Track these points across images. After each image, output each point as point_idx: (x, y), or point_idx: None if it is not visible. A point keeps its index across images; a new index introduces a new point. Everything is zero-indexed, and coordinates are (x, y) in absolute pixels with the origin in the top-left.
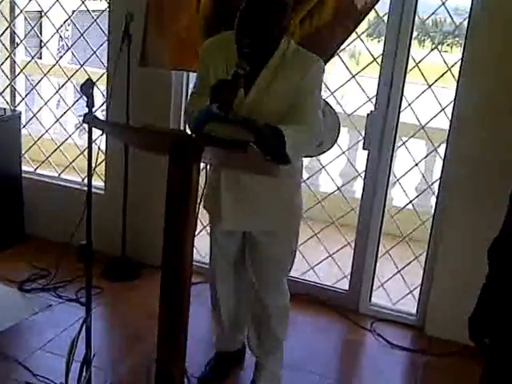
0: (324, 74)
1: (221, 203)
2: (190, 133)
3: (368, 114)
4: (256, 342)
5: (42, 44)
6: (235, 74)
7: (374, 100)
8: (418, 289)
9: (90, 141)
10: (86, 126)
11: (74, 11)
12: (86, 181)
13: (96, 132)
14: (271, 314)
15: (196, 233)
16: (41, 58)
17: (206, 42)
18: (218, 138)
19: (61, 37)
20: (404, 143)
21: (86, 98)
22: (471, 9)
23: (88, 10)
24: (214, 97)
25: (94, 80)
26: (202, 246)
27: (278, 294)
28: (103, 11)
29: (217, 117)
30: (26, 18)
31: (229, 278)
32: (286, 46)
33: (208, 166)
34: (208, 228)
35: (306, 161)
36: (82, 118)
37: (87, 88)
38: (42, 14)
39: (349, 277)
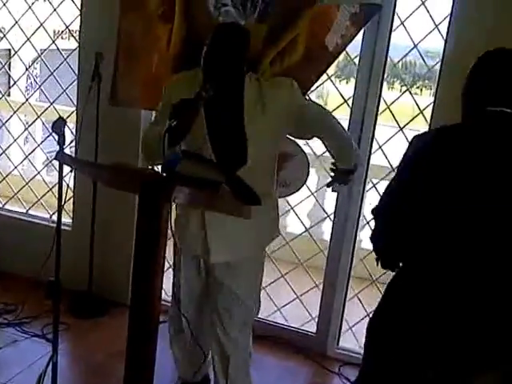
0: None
1: (207, 237)
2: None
3: None
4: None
5: (12, 82)
6: (198, 94)
7: None
8: None
9: (61, 178)
10: (55, 162)
11: (43, 50)
12: (54, 217)
13: (65, 169)
14: (232, 354)
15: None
16: (9, 95)
17: (173, 78)
18: (189, 177)
19: (29, 75)
20: (374, 185)
21: (57, 136)
22: (444, 51)
23: (58, 49)
24: (174, 114)
25: (64, 118)
26: (168, 285)
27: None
28: (73, 50)
29: (188, 155)
30: None
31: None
32: (254, 84)
33: None
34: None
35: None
36: (54, 155)
37: (59, 126)
38: (12, 52)
39: (316, 319)
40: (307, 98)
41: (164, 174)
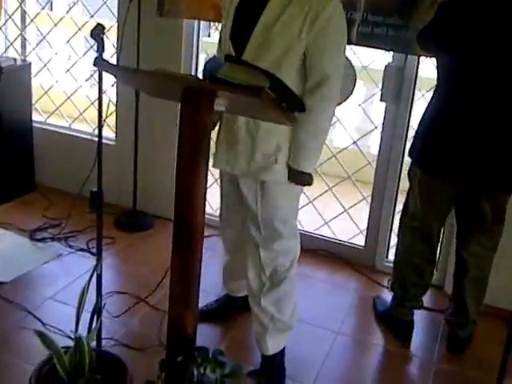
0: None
1: (218, 143)
2: (202, 77)
3: (386, 66)
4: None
5: None
6: None
7: (391, 52)
8: (439, 246)
9: (101, 86)
10: (96, 75)
11: None
12: (96, 132)
13: (106, 83)
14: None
15: (208, 185)
16: (51, 9)
17: None
18: (231, 83)
19: None
20: (423, 95)
21: (96, 43)
22: None
23: None
24: None
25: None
26: (213, 199)
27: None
28: None
29: (230, 59)
30: None
31: (229, 214)
32: None
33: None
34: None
35: None
36: (93, 61)
37: (98, 33)
38: None
39: (365, 232)
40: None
41: (206, 80)
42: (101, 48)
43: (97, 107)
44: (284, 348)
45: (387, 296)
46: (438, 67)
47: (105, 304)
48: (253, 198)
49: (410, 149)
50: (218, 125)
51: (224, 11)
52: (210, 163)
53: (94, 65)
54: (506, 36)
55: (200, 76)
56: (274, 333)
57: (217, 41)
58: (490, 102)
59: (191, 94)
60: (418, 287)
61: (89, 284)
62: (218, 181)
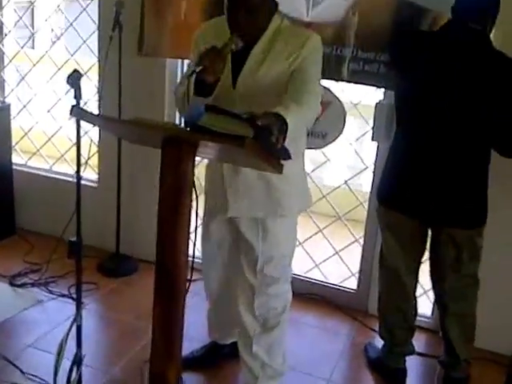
0: (322, 50)
1: (226, 191)
2: (183, 125)
3: (376, 104)
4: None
5: (33, 34)
6: (225, 44)
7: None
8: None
9: (79, 135)
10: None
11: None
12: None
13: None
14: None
15: (195, 228)
16: (33, 47)
17: (200, 28)
18: (213, 132)
19: (52, 28)
20: None
21: (73, 90)
22: None
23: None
24: (200, 60)
25: (86, 70)
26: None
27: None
28: (91, 0)
29: (212, 109)
30: (14, 9)
31: (217, 262)
32: (278, 23)
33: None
34: None
35: (309, 153)
36: (69, 110)
37: (74, 79)
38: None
39: (357, 275)
40: (330, 90)
41: (187, 129)
42: (78, 95)
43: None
44: None
45: (379, 342)
46: (396, 107)
47: (85, 355)
48: (254, 236)
49: (378, 193)
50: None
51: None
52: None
53: (71, 114)
54: (457, 77)
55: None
56: (265, 381)
57: None
58: (444, 139)
59: (172, 144)
60: (404, 330)
61: (68, 334)
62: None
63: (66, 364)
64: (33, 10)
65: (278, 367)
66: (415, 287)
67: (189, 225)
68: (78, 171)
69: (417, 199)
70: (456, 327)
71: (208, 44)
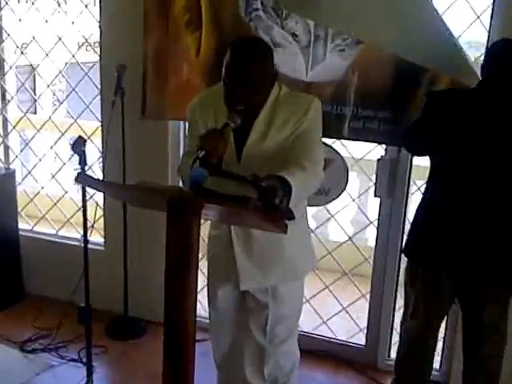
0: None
1: (236, 263)
2: (187, 187)
3: (378, 160)
4: None
5: (35, 99)
6: (225, 124)
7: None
8: (441, 343)
9: (84, 201)
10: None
11: (65, 64)
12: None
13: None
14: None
15: (199, 288)
16: (35, 112)
17: (193, 101)
18: (217, 195)
19: (53, 92)
20: (419, 188)
21: (77, 156)
22: (487, 42)
23: (78, 63)
24: (201, 145)
25: (90, 133)
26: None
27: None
28: (94, 64)
29: (215, 171)
30: (15, 74)
31: (224, 327)
32: (277, 93)
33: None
34: None
35: (313, 210)
36: (75, 177)
37: (78, 146)
38: (35, 67)
39: (365, 331)
40: (331, 147)
41: (191, 191)
42: (83, 162)
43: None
44: None
45: None
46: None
47: None
48: (264, 297)
49: (405, 247)
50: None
51: (194, 127)
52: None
53: (76, 181)
54: (494, 132)
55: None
56: None
57: None
58: (481, 194)
59: (177, 207)
60: None
61: None
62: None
63: None
64: (34, 74)
65: None
66: (436, 346)
67: (196, 285)
68: (85, 236)
69: (457, 257)
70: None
71: (205, 115)
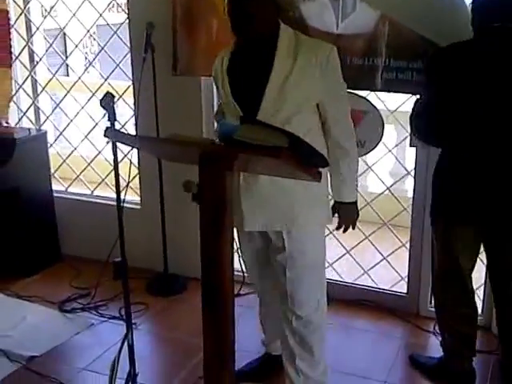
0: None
1: (241, 205)
2: (218, 140)
3: None
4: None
5: (65, 61)
6: None
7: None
8: (483, 287)
9: (116, 156)
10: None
11: (93, 24)
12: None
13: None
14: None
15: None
16: (67, 75)
17: (216, 59)
18: (249, 145)
19: (86, 53)
20: None
21: (106, 112)
22: None
23: (108, 24)
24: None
25: (121, 93)
26: None
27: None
28: (122, 23)
29: (245, 120)
30: (44, 36)
31: (258, 275)
32: (290, 32)
33: None
34: None
35: None
36: (104, 132)
37: (107, 101)
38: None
39: (406, 279)
40: (367, 99)
41: (223, 144)
42: (112, 118)
43: (119, 170)
44: None
45: (435, 343)
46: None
47: (138, 373)
48: (280, 242)
49: (430, 208)
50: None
51: (217, 79)
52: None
53: (105, 136)
54: (501, 80)
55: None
56: None
57: None
58: (497, 143)
59: (209, 159)
60: (471, 334)
61: (119, 355)
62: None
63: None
64: (64, 37)
65: (319, 378)
66: (474, 293)
67: (232, 238)
68: (117, 191)
69: (480, 207)
70: None
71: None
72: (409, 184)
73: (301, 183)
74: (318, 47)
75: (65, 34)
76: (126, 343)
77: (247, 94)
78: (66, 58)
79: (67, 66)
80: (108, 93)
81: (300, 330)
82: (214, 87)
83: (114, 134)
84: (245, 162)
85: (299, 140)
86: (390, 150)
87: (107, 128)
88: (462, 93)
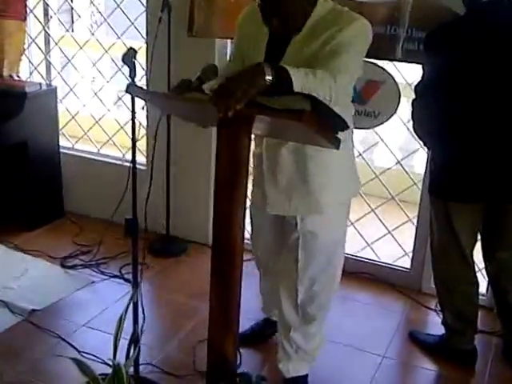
0: (369, 39)
1: (264, 187)
2: None
3: None
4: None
5: (75, 17)
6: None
7: None
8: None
9: (134, 111)
10: (125, 100)
11: None
12: (126, 156)
13: (136, 106)
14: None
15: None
16: (73, 31)
17: (241, 14)
18: (268, 107)
19: (93, 13)
20: None
21: (128, 68)
22: None
23: None
24: None
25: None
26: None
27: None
28: None
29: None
30: None
31: (264, 233)
32: (326, 8)
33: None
34: None
35: (360, 134)
36: (125, 88)
37: (129, 57)
38: None
39: (410, 255)
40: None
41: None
42: (133, 73)
43: (126, 131)
44: (307, 375)
45: (435, 320)
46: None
47: (142, 332)
48: (293, 222)
49: (430, 185)
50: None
51: (246, 32)
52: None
53: (127, 91)
54: (501, 52)
55: None
56: (297, 361)
57: None
58: (497, 119)
59: (229, 120)
60: (473, 312)
61: (126, 313)
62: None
63: (121, 342)
64: None
65: (312, 352)
66: (474, 269)
67: (245, 200)
68: (133, 148)
69: (480, 183)
70: None
71: (247, 30)
72: (416, 159)
73: (324, 166)
74: (340, 18)
75: None
76: (131, 303)
77: (273, 56)
78: (77, 15)
79: (72, 22)
80: (131, 48)
81: (304, 305)
82: (229, 46)
83: (135, 90)
84: (264, 125)
85: (320, 103)
86: (404, 124)
87: (129, 84)
88: (459, 70)
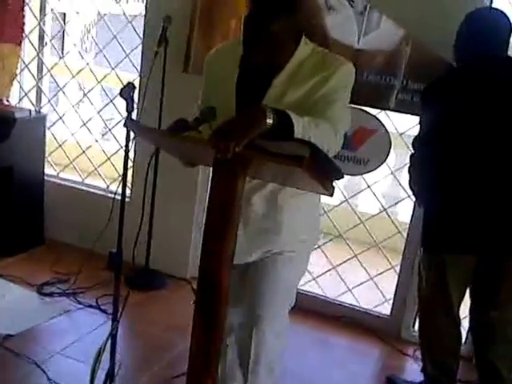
0: (353, 81)
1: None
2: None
3: None
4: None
5: (65, 46)
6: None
7: None
8: (468, 318)
9: (128, 146)
10: (113, 131)
11: (100, 14)
12: (111, 187)
13: (123, 137)
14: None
15: None
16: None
17: (212, 50)
18: (268, 151)
19: (83, 40)
20: None
21: (125, 102)
22: None
23: (124, 14)
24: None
25: (125, 83)
26: None
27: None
28: (136, 16)
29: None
30: (57, 17)
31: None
32: (307, 50)
33: None
34: None
35: (345, 179)
36: (124, 122)
37: (128, 91)
38: (67, 16)
39: (390, 302)
40: (376, 118)
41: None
42: (130, 107)
43: (112, 162)
44: None
45: (413, 368)
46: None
47: (120, 365)
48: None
49: (424, 239)
50: None
51: (216, 71)
52: None
53: (125, 126)
54: (492, 106)
55: None
56: None
57: None
58: (489, 172)
59: (224, 160)
60: (454, 360)
61: (105, 346)
62: None
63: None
64: (64, 18)
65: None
66: (460, 326)
67: (235, 240)
68: (124, 182)
69: (475, 236)
70: (506, 355)
71: (217, 70)
72: (400, 207)
73: (293, 213)
74: (327, 62)
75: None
76: (109, 336)
77: (247, 96)
78: (71, 43)
79: (62, 49)
80: (130, 83)
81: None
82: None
83: (133, 125)
84: (262, 169)
85: (319, 150)
86: (392, 172)
87: (127, 118)
88: (457, 121)
